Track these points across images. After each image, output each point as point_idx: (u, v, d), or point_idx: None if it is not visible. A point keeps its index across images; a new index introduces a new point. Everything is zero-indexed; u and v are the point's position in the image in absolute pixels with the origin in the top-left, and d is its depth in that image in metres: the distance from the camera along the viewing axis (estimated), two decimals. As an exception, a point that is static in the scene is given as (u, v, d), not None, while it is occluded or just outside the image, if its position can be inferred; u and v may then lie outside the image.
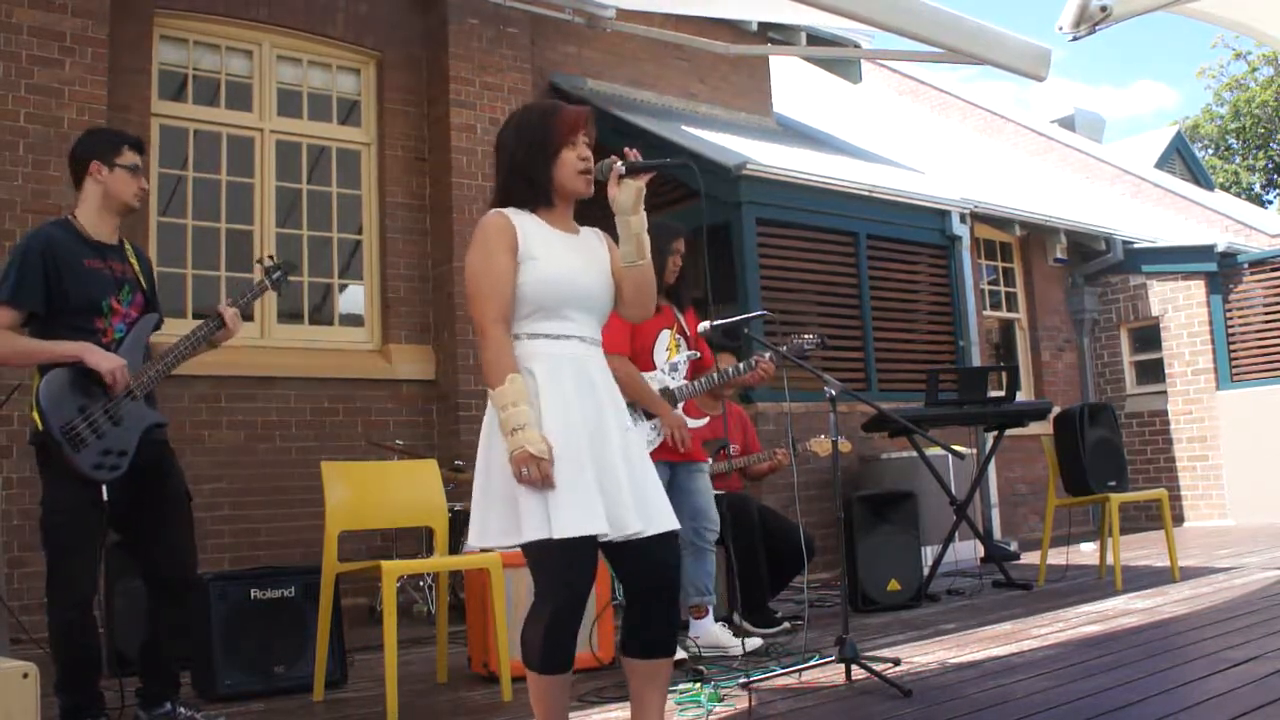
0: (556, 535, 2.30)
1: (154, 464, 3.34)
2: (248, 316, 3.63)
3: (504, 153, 2.60)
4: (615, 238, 2.62)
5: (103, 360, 3.16)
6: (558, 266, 2.48)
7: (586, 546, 2.36)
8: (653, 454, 4.13)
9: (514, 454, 2.30)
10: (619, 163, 2.50)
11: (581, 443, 2.38)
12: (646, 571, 2.46)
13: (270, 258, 3.70)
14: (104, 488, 3.15)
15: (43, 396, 3.10)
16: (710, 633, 4.41)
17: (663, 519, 2.45)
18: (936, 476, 6.24)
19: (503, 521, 2.40)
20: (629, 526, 2.38)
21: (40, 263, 3.18)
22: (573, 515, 2.31)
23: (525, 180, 2.55)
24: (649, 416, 4.18)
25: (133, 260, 3.43)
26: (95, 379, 3.16)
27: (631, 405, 4.12)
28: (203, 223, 6.50)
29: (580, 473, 2.35)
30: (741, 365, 4.46)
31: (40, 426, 3.12)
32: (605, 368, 2.56)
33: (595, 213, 2.72)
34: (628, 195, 2.50)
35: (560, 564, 2.35)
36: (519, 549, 2.42)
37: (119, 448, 3.19)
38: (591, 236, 2.67)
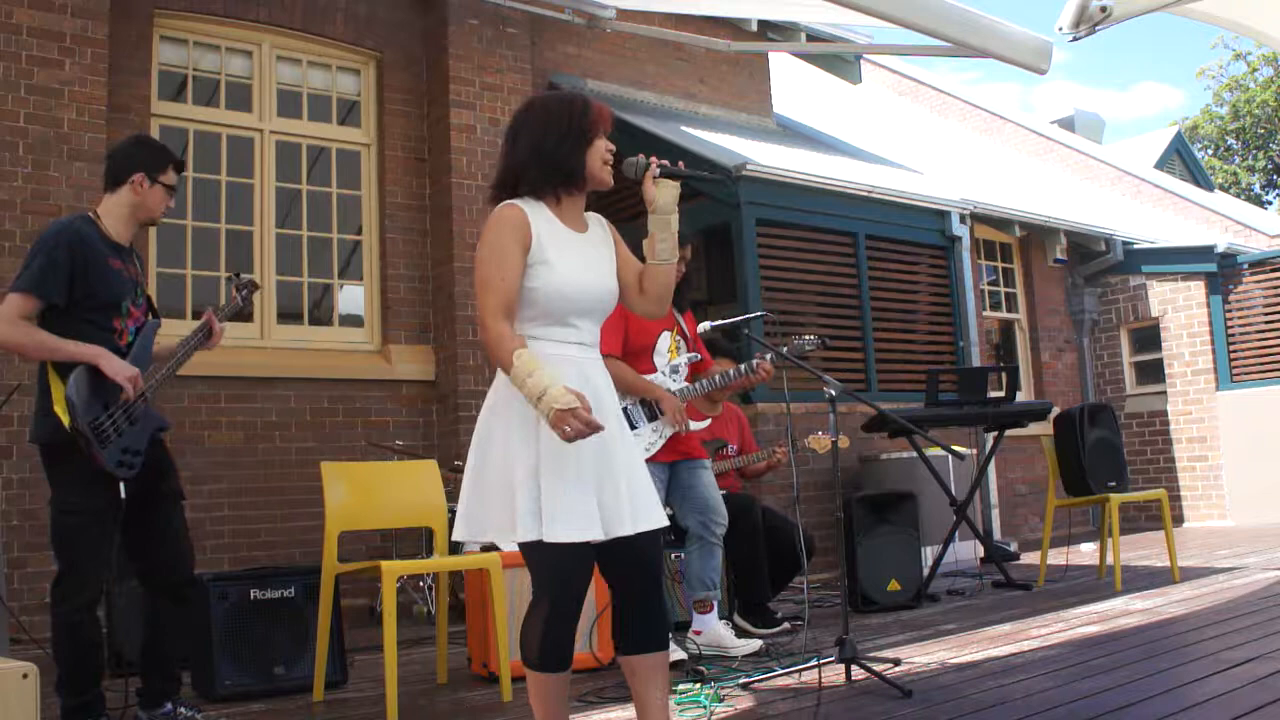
0: (548, 540, 2.32)
1: (154, 463, 3.36)
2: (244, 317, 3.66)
3: (524, 137, 2.51)
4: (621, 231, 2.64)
5: (119, 369, 3.18)
6: (570, 275, 2.44)
7: (580, 547, 2.36)
8: (655, 454, 4.15)
9: (549, 418, 2.27)
10: (655, 165, 2.52)
11: (581, 447, 2.37)
12: (633, 568, 2.46)
13: (237, 275, 3.74)
14: (122, 486, 3.18)
15: (73, 393, 3.11)
16: (714, 630, 4.39)
17: (650, 517, 2.45)
18: (936, 477, 6.24)
19: (500, 517, 2.40)
20: (622, 529, 2.39)
21: (68, 256, 3.18)
22: (565, 521, 2.32)
23: (552, 165, 2.48)
24: (650, 418, 4.17)
25: (137, 264, 3.47)
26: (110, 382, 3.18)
27: (634, 405, 4.13)
28: (202, 223, 6.50)
29: (577, 478, 2.36)
30: (743, 367, 4.42)
31: (69, 422, 3.11)
32: (604, 370, 2.56)
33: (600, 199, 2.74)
34: (669, 195, 2.53)
35: (554, 564, 2.36)
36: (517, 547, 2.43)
37: (135, 447, 3.23)
38: (599, 230, 2.63)
